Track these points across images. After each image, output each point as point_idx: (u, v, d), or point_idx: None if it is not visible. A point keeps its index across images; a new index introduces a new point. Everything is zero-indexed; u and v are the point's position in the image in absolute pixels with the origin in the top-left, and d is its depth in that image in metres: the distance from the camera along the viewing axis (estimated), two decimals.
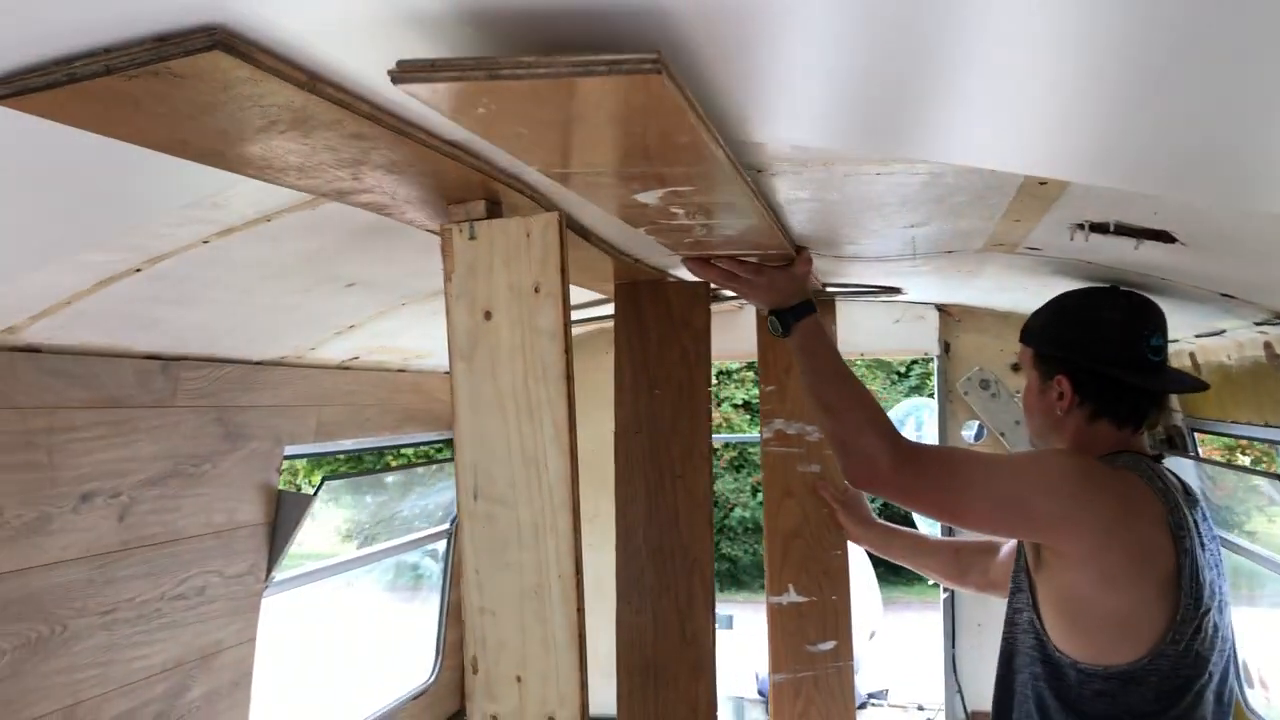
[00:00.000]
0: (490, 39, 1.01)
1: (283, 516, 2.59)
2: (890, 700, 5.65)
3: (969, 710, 3.65)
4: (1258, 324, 2.18)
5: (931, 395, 3.86)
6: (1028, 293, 2.63)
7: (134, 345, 1.98)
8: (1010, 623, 2.10)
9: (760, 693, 5.54)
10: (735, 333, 3.46)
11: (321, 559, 3.40)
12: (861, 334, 3.67)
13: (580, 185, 1.44)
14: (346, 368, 2.79)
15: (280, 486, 2.62)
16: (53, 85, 0.93)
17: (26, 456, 1.82)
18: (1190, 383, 2.31)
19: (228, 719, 2.47)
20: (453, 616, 3.76)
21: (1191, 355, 2.79)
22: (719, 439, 14.28)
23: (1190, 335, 2.62)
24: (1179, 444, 3.11)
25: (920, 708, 5.26)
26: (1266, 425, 2.45)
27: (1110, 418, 2.05)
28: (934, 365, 3.76)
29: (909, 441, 2.02)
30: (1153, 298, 2.08)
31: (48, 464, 1.87)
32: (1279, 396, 2.37)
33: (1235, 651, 2.89)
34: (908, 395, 14.22)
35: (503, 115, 1.04)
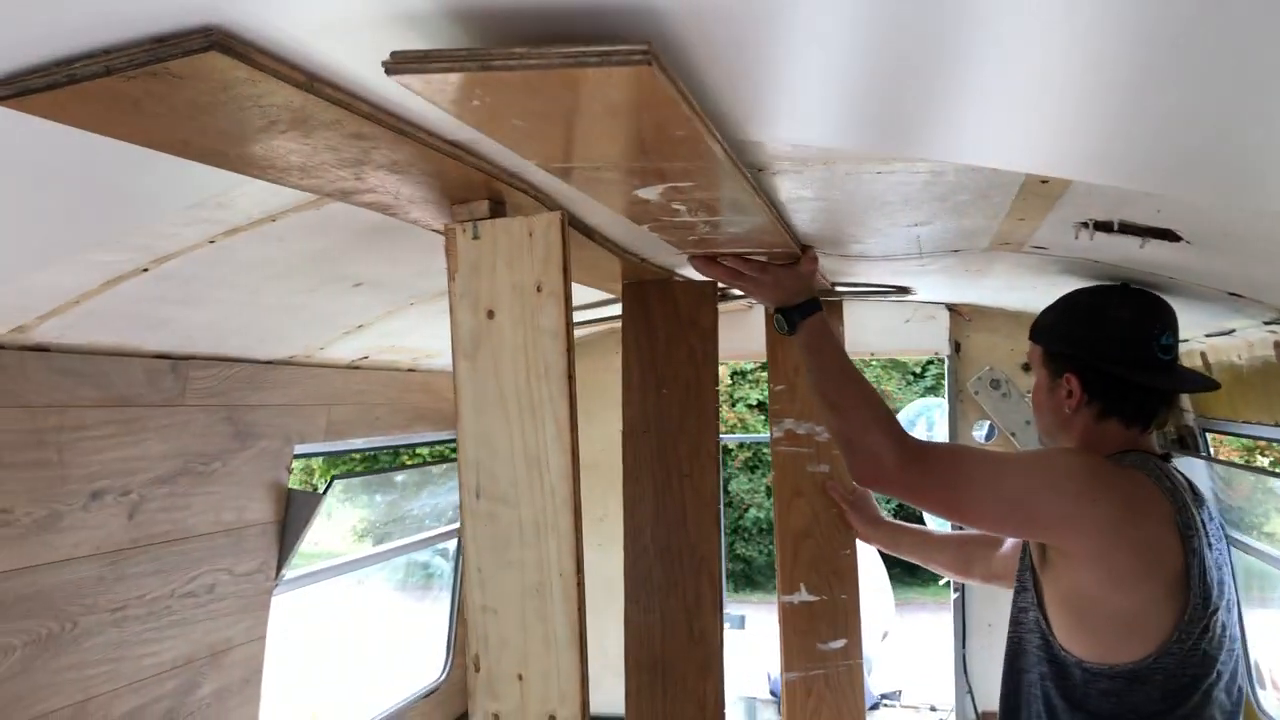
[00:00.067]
0: (489, 39, 1.01)
1: (293, 515, 2.60)
2: (903, 701, 5.65)
3: (979, 711, 3.64)
4: (1267, 323, 2.17)
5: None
6: (1036, 292, 2.62)
7: (143, 345, 1.99)
8: (1016, 622, 2.10)
9: (772, 693, 5.54)
10: (745, 332, 3.46)
11: (337, 558, 3.42)
12: (872, 334, 3.67)
13: (581, 181, 1.44)
14: (356, 367, 2.80)
15: (296, 485, 2.64)
16: (53, 86, 0.94)
17: (37, 455, 1.84)
18: (1200, 382, 2.30)
19: (238, 716, 2.49)
20: (463, 616, 3.77)
21: (1203, 355, 2.78)
22: (732, 439, 14.28)
23: (1200, 335, 2.61)
24: (1190, 444, 3.10)
25: (933, 708, 5.25)
26: (1277, 425, 2.44)
27: (1119, 417, 2.05)
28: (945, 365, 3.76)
29: (915, 440, 2.02)
30: (1162, 296, 2.08)
31: (58, 462, 1.88)
32: None
33: (1246, 651, 2.88)
34: (923, 395, 14.17)
35: (497, 107, 1.04)
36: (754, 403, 15.20)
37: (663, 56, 0.92)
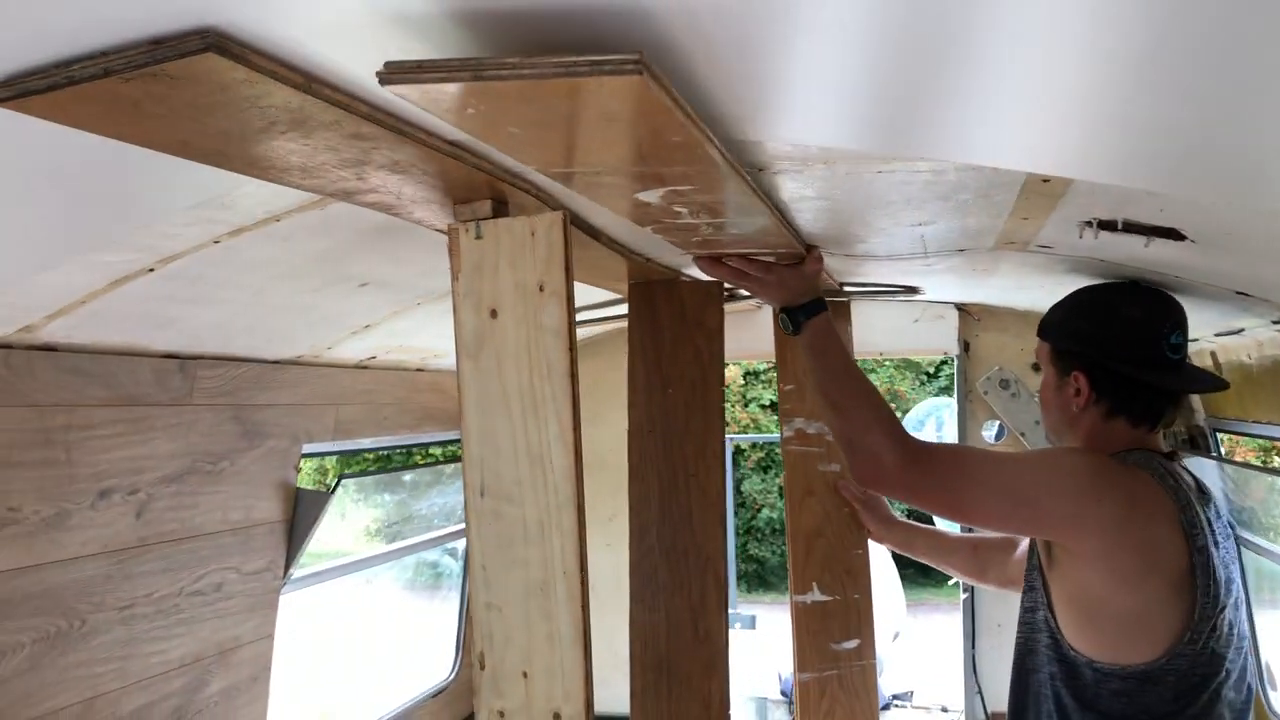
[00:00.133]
0: (486, 41, 1.02)
1: (301, 514, 2.61)
2: (915, 702, 5.65)
3: (989, 711, 3.63)
4: (1275, 322, 2.16)
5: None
6: (1044, 291, 2.61)
7: (151, 344, 2.01)
8: (1025, 622, 2.09)
9: (783, 693, 5.55)
10: (753, 332, 3.46)
11: (348, 558, 3.44)
12: (880, 333, 3.66)
13: (582, 185, 1.45)
14: (364, 367, 2.81)
15: (309, 485, 2.65)
16: (53, 87, 0.95)
17: (45, 453, 1.85)
18: (1209, 382, 2.28)
19: (246, 714, 2.50)
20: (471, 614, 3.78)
21: (1213, 354, 2.77)
22: (745, 439, 14.26)
23: (1210, 334, 2.60)
24: (1201, 444, 3.08)
25: (944, 709, 5.25)
26: None
27: (1126, 416, 2.04)
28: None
29: (916, 440, 2.02)
30: (1172, 295, 2.07)
31: (66, 461, 1.90)
32: None
33: (1256, 650, 2.87)
34: (936, 396, 14.13)
35: (493, 115, 1.05)
36: (766, 403, 15.18)
37: (654, 65, 0.93)
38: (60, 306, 1.68)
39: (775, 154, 1.41)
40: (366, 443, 3.13)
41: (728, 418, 14.58)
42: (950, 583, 4.02)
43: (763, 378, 15.27)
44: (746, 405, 15.09)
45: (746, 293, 2.51)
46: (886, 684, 5.65)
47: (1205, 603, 1.85)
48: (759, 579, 15.03)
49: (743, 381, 15.03)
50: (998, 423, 3.64)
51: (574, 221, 1.89)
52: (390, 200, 1.55)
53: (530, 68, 0.92)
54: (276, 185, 1.40)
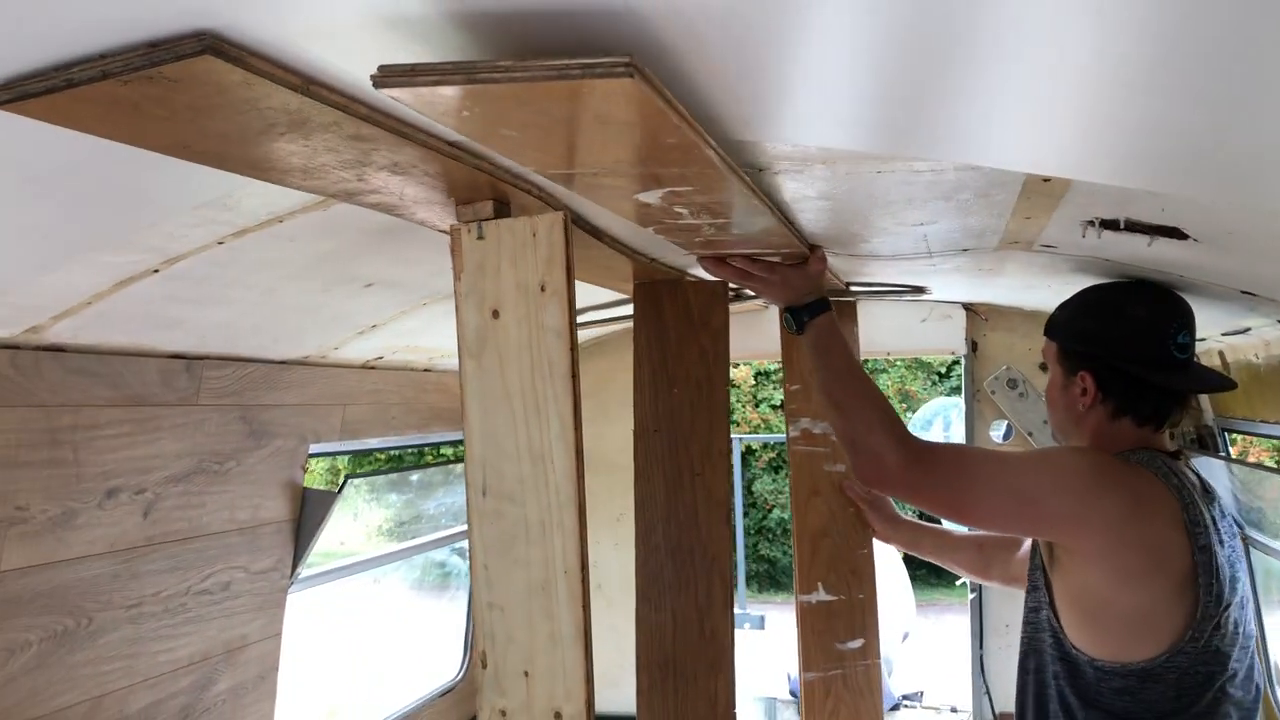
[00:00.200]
0: (483, 43, 1.02)
1: (308, 513, 2.63)
2: (925, 702, 5.63)
3: (997, 711, 3.62)
4: None
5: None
6: (1051, 291, 2.61)
7: (157, 345, 2.02)
8: (1029, 622, 2.09)
9: (792, 693, 5.53)
10: (760, 332, 3.47)
11: (357, 557, 3.45)
12: (888, 333, 3.66)
13: (582, 187, 1.45)
14: (371, 367, 2.82)
15: (321, 485, 2.66)
16: (52, 90, 0.96)
17: (52, 453, 1.87)
18: (1216, 382, 2.27)
19: (254, 713, 2.51)
20: None
21: (1220, 354, 2.76)
22: (755, 439, 14.24)
23: (1217, 333, 2.58)
24: (1210, 444, 3.07)
25: (953, 709, 5.23)
26: None
27: (1133, 415, 2.04)
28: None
29: (918, 440, 2.02)
30: (1179, 294, 2.06)
31: (73, 460, 1.91)
32: None
33: (1265, 649, 2.86)
34: (948, 395, 14.09)
35: (487, 118, 1.06)
36: (777, 403, 15.15)
37: (647, 68, 0.93)
38: (66, 307, 1.70)
39: (775, 154, 1.41)
40: (374, 443, 3.14)
41: (738, 418, 14.57)
42: (959, 583, 4.01)
43: (773, 378, 15.25)
44: (758, 405, 15.07)
45: (752, 293, 2.52)
46: (896, 684, 5.63)
47: (1208, 601, 1.84)
48: (770, 579, 15.00)
49: (754, 382, 15.01)
50: (1006, 422, 3.64)
51: (578, 222, 1.90)
52: (393, 201, 1.56)
53: (523, 71, 0.92)
54: (279, 186, 1.41)
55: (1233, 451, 3.24)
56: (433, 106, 1.01)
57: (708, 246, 2.06)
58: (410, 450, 3.85)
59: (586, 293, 2.84)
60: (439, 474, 4.33)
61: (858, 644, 3.10)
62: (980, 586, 3.69)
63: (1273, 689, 2.93)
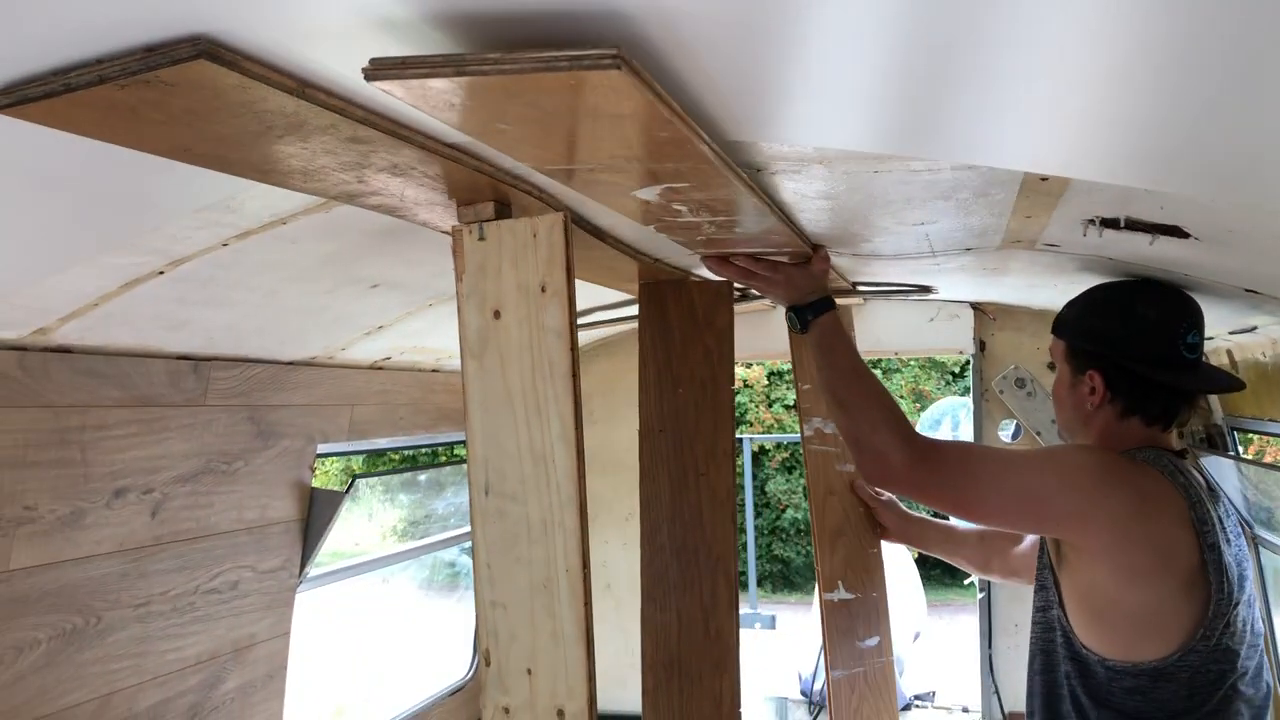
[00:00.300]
0: (476, 46, 1.03)
1: (316, 513, 2.64)
2: (936, 702, 5.61)
3: (1006, 711, 3.62)
4: None
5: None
6: (1057, 290, 2.61)
7: (164, 346, 2.04)
8: (1037, 621, 2.09)
9: (803, 693, 5.53)
10: (767, 331, 3.47)
11: (366, 557, 3.47)
12: (896, 333, 3.66)
13: (580, 183, 1.46)
14: (379, 368, 2.84)
15: (336, 485, 2.68)
16: (50, 95, 0.97)
17: (60, 453, 1.89)
18: (1225, 382, 2.26)
19: (262, 711, 2.53)
20: None
21: (1229, 353, 2.75)
22: (769, 439, 14.22)
23: (1224, 332, 2.58)
24: (1219, 443, 3.06)
25: (965, 709, 5.22)
26: None
27: (1141, 415, 2.03)
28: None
29: (923, 438, 2.02)
30: (1188, 293, 2.06)
31: (81, 460, 1.93)
32: None
33: (1274, 648, 2.85)
34: (962, 395, 14.05)
35: (478, 110, 1.07)
36: (790, 403, 15.12)
37: (635, 60, 0.94)
38: (73, 309, 1.71)
39: (771, 154, 1.42)
40: (382, 443, 3.16)
41: (751, 418, 14.52)
42: (967, 582, 4.01)
43: (786, 378, 15.22)
44: (770, 405, 15.05)
45: (757, 292, 2.52)
46: (908, 684, 5.62)
47: (1220, 599, 1.84)
48: (784, 579, 14.98)
49: (766, 382, 14.99)
50: (1014, 422, 3.63)
51: (580, 223, 1.91)
52: (394, 203, 1.57)
53: (511, 62, 0.93)
54: (281, 189, 1.42)
55: (1248, 451, 3.22)
56: (424, 100, 1.02)
57: (710, 246, 2.06)
58: (424, 451, 3.86)
59: (594, 293, 2.85)
60: (448, 474, 4.34)
61: (875, 641, 3.11)
62: (989, 586, 3.69)
63: None
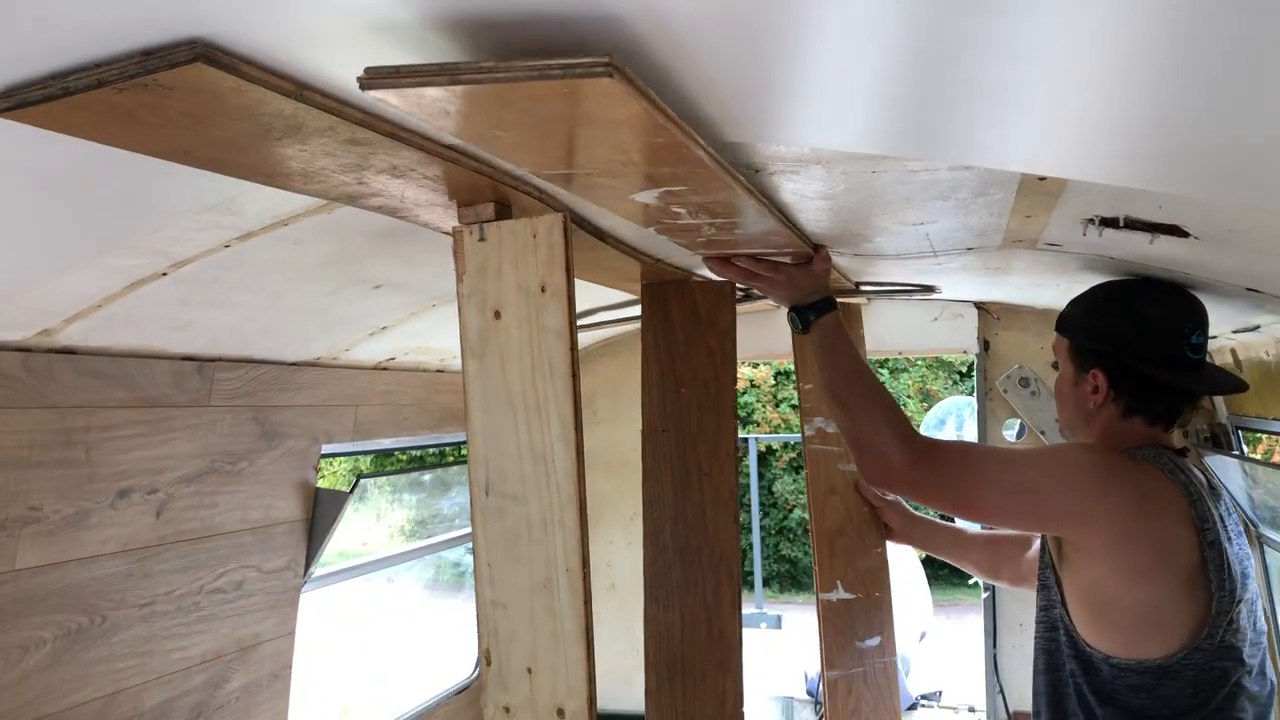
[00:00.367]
0: (472, 49, 1.04)
1: (320, 513, 2.65)
2: (942, 702, 5.61)
3: (1011, 711, 3.62)
4: None
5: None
6: (1060, 289, 2.60)
7: (168, 347, 2.05)
8: (1041, 621, 2.09)
9: (809, 692, 5.53)
10: (769, 331, 3.47)
11: (370, 557, 3.48)
12: (900, 332, 3.66)
13: (579, 187, 1.47)
14: (384, 368, 2.85)
15: (344, 485, 2.69)
16: (49, 98, 0.98)
17: (65, 454, 1.90)
18: (1228, 383, 2.26)
19: (267, 710, 2.54)
20: None
21: (1233, 351, 2.74)
22: (775, 439, 14.22)
23: (1228, 330, 2.57)
24: (1223, 441, 3.05)
25: (971, 709, 5.21)
26: None
27: (1144, 415, 2.03)
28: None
29: (924, 438, 2.02)
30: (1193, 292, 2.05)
31: (85, 461, 1.94)
32: None
33: (1278, 643, 2.84)
34: (970, 394, 14.01)
35: (473, 118, 1.07)
36: (797, 403, 15.10)
37: (629, 68, 0.94)
38: (77, 310, 1.73)
39: (769, 155, 1.42)
40: (387, 443, 3.17)
41: (758, 418, 14.51)
42: (971, 582, 4.01)
43: (793, 378, 15.19)
44: (778, 405, 15.05)
45: (759, 293, 2.52)
46: (914, 684, 5.62)
47: (1222, 596, 1.84)
48: (791, 579, 14.98)
49: (773, 381, 14.99)
50: (1019, 421, 3.63)
51: (582, 223, 1.92)
52: (394, 204, 1.58)
53: (505, 71, 0.94)
54: (282, 190, 1.43)
55: (1256, 451, 3.22)
56: (420, 108, 1.03)
57: (711, 246, 2.07)
58: (431, 451, 3.87)
59: (597, 293, 2.85)
60: (454, 474, 4.36)
61: (875, 641, 3.11)
62: (994, 586, 3.68)
63: None
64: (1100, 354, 2.05)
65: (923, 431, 3.73)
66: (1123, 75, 1.03)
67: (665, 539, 2.58)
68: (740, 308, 2.71)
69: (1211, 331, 2.10)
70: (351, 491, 2.69)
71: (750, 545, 10.08)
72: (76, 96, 0.97)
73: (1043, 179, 1.47)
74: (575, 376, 1.50)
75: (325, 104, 1.10)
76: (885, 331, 3.65)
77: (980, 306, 3.63)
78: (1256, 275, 1.83)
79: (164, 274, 1.69)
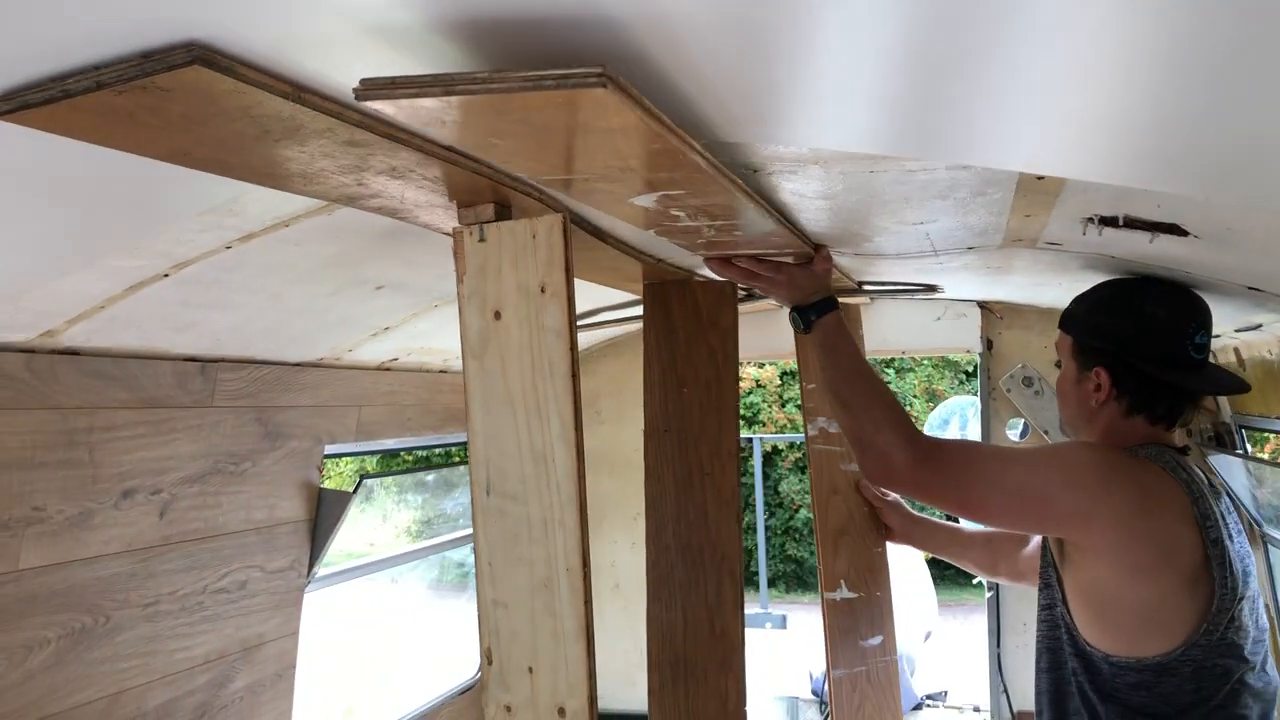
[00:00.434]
0: (468, 51, 1.04)
1: (324, 513, 2.66)
2: (948, 702, 5.61)
3: (1015, 710, 3.61)
4: None
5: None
6: (1062, 288, 2.60)
7: (171, 348, 2.05)
8: (1043, 620, 2.09)
9: (814, 692, 5.53)
10: (772, 331, 3.48)
11: (372, 558, 3.48)
12: (903, 332, 3.66)
13: (578, 192, 1.48)
14: (387, 369, 2.85)
15: (346, 487, 2.70)
16: (49, 101, 0.99)
17: (68, 454, 1.91)
18: (1231, 383, 2.25)
19: (271, 710, 2.55)
20: None
21: (1236, 350, 2.74)
22: (781, 439, 14.21)
23: (1231, 329, 2.57)
24: (1228, 441, 3.05)
25: (976, 709, 5.21)
26: None
27: (1146, 414, 2.03)
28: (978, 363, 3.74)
29: (926, 437, 2.02)
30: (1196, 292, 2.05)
31: (89, 462, 1.95)
32: None
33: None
34: (974, 394, 13.98)
35: (469, 126, 1.08)
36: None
37: (622, 77, 0.95)
38: (80, 311, 1.73)
39: (767, 155, 1.43)
40: (389, 443, 3.17)
41: (764, 418, 14.49)
42: (975, 582, 4.01)
43: (799, 377, 15.16)
44: (784, 405, 15.04)
45: (760, 293, 2.53)
46: (920, 684, 5.62)
47: (1224, 594, 1.84)
48: (797, 579, 14.96)
49: (779, 381, 14.98)
50: (1022, 421, 3.62)
51: (583, 224, 1.92)
52: (395, 205, 1.59)
53: (499, 82, 0.94)
54: (282, 192, 1.44)
55: (1264, 450, 3.21)
56: (416, 117, 1.03)
57: (712, 247, 2.07)
58: (438, 452, 3.87)
59: (600, 293, 2.86)
60: (460, 474, 4.36)
61: (878, 640, 3.11)
62: (997, 586, 3.68)
63: None
64: (1103, 352, 2.05)
65: (926, 431, 3.73)
66: (1123, 75, 1.03)
67: (668, 539, 2.58)
68: (742, 307, 2.72)
69: (1214, 330, 2.10)
70: (355, 492, 2.70)
71: (755, 545, 10.07)
72: (76, 99, 0.98)
73: (1040, 178, 1.47)
74: (575, 376, 1.51)
75: (323, 105, 1.11)
76: (888, 331, 3.65)
77: (983, 306, 3.63)
78: (1257, 274, 1.83)
79: (166, 275, 1.70)
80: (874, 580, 3.10)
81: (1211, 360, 2.13)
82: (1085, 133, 1.22)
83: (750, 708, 2.58)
